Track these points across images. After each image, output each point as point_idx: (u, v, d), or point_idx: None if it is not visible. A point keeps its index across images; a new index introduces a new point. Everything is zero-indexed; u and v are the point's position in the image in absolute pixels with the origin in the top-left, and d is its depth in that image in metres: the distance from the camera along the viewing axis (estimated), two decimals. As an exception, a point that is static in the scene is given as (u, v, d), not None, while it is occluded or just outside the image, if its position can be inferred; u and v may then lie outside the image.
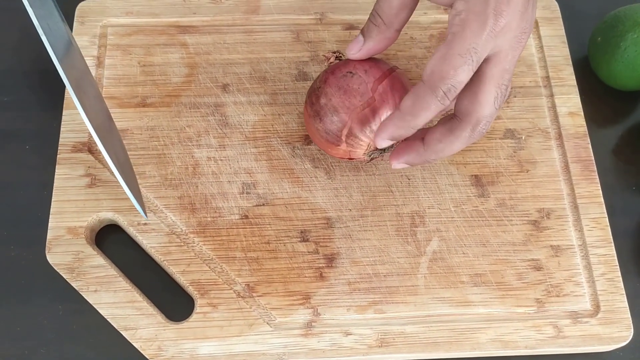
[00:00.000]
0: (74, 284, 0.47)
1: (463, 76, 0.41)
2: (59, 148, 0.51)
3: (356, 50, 0.47)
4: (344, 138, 0.47)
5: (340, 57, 0.50)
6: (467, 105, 0.43)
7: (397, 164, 0.46)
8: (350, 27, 0.57)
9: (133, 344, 0.46)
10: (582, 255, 0.50)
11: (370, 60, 0.48)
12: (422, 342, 0.47)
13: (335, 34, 0.57)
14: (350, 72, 0.47)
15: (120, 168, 0.47)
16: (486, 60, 0.42)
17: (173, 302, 0.48)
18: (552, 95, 0.56)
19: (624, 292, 0.49)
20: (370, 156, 0.48)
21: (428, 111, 0.42)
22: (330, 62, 0.50)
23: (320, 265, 0.49)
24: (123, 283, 0.48)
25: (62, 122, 0.52)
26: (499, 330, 0.48)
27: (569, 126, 0.55)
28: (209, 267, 0.48)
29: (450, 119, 0.44)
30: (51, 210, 0.49)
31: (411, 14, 0.46)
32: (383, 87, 0.47)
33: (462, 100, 0.43)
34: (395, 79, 0.48)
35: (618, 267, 0.50)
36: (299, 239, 0.50)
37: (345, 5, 0.58)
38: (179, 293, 0.49)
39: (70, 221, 0.49)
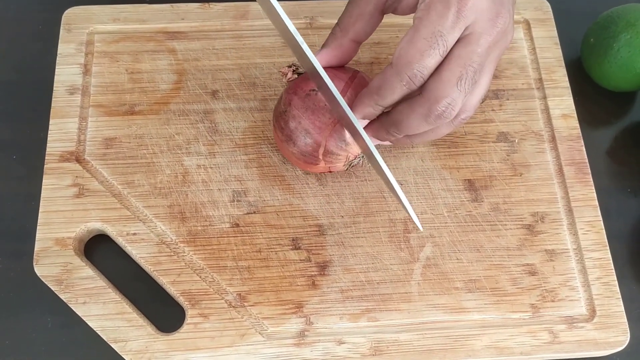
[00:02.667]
0: (62, 296, 0.47)
1: (429, 61, 0.41)
2: (46, 158, 0.51)
3: None
4: (321, 157, 0.47)
5: (298, 70, 0.48)
6: (429, 82, 0.42)
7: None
8: (340, 31, 0.57)
9: (123, 356, 0.45)
10: (577, 259, 0.50)
11: (330, 70, 0.47)
12: (417, 349, 0.46)
13: (325, 38, 0.56)
14: (314, 90, 0.46)
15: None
16: (457, 41, 0.41)
17: (163, 313, 0.48)
18: (545, 98, 0.55)
19: (619, 296, 0.49)
20: (350, 165, 0.48)
21: (393, 93, 0.42)
22: (289, 79, 0.48)
23: (313, 273, 0.48)
24: (112, 294, 0.47)
25: (49, 132, 0.52)
26: (494, 337, 0.47)
27: (563, 128, 0.54)
28: (200, 276, 0.48)
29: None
30: (39, 221, 0.49)
31: (370, 28, 0.46)
32: (349, 98, 0.46)
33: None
34: (359, 86, 0.47)
35: (613, 270, 0.49)
36: (291, 247, 0.49)
37: (335, 9, 0.58)
38: (169, 303, 0.48)
39: (58, 232, 0.48)
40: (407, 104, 0.43)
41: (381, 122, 0.45)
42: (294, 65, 0.48)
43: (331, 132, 0.46)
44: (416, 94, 0.43)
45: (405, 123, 0.43)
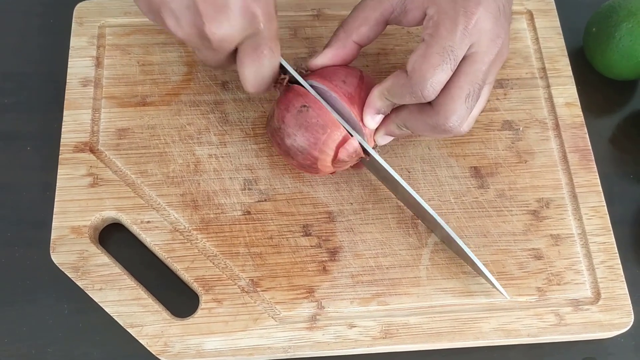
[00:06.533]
0: (79, 283, 0.48)
1: (442, 75, 0.43)
2: (60, 148, 0.52)
3: (314, 58, 0.48)
4: (329, 165, 0.48)
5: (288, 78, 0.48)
6: (440, 97, 0.44)
7: (380, 139, 0.49)
8: (347, 22, 0.58)
9: (139, 340, 0.46)
10: (582, 244, 0.51)
11: (342, 68, 0.48)
12: (426, 332, 0.47)
13: (332, 29, 0.57)
14: (305, 106, 0.46)
15: None
16: (463, 59, 0.44)
17: (178, 298, 0.49)
18: (548, 86, 0.57)
19: (623, 279, 0.50)
20: (354, 164, 0.49)
21: (403, 98, 0.45)
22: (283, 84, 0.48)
23: (323, 259, 0.49)
24: (128, 281, 0.48)
25: (63, 123, 0.53)
26: (502, 319, 0.48)
27: (566, 116, 0.55)
28: (213, 263, 0.49)
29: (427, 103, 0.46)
30: (54, 210, 0.50)
31: (373, 34, 0.48)
32: (362, 98, 0.47)
33: None
34: (369, 84, 0.48)
35: (617, 254, 0.50)
36: (302, 234, 0.50)
37: (341, 1, 0.59)
38: (183, 289, 0.49)
39: (73, 221, 0.49)
40: (417, 109, 0.46)
41: (392, 119, 0.48)
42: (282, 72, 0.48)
43: (343, 144, 0.47)
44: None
45: (414, 126, 0.46)
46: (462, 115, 0.44)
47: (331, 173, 0.50)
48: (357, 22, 0.47)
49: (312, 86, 0.48)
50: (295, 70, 0.48)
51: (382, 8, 0.46)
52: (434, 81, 0.43)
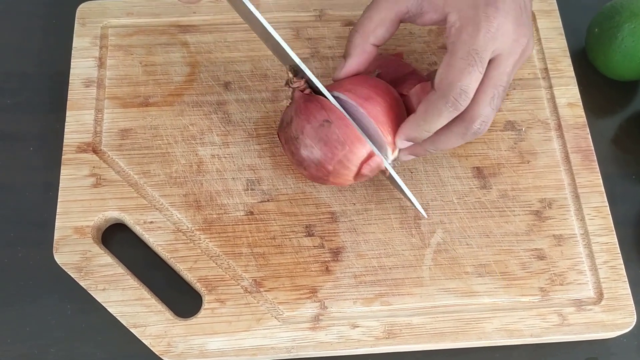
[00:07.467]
0: (82, 283, 0.48)
1: (470, 79, 0.42)
2: (63, 149, 0.52)
3: (339, 70, 0.48)
4: (351, 179, 0.48)
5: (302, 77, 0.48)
6: None
7: (404, 157, 0.49)
8: (349, 23, 0.58)
9: (143, 340, 0.46)
10: (585, 244, 0.51)
11: (352, 92, 0.47)
12: (429, 332, 0.47)
13: (334, 30, 0.58)
14: (327, 121, 0.46)
15: None
16: (488, 64, 0.43)
17: (181, 298, 0.49)
18: (550, 87, 0.57)
19: (626, 280, 0.50)
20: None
21: (440, 117, 0.44)
22: (300, 88, 0.47)
23: (326, 259, 0.49)
24: (131, 281, 0.48)
25: (66, 123, 0.53)
26: (504, 320, 0.48)
27: (569, 117, 0.55)
28: (216, 263, 0.49)
29: None
30: (57, 210, 0.50)
31: (389, 35, 0.47)
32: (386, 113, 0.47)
33: None
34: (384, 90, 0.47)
35: (620, 254, 0.50)
36: (305, 234, 0.50)
37: (343, 1, 0.59)
38: (186, 290, 0.49)
39: (76, 221, 0.49)
40: (445, 126, 0.45)
41: (422, 144, 0.47)
42: (292, 70, 0.48)
43: (367, 161, 0.46)
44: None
45: (444, 142, 0.46)
46: (488, 115, 0.44)
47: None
48: (372, 25, 0.47)
49: (337, 99, 0.47)
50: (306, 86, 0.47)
51: (397, 9, 0.46)
52: (464, 84, 0.42)
